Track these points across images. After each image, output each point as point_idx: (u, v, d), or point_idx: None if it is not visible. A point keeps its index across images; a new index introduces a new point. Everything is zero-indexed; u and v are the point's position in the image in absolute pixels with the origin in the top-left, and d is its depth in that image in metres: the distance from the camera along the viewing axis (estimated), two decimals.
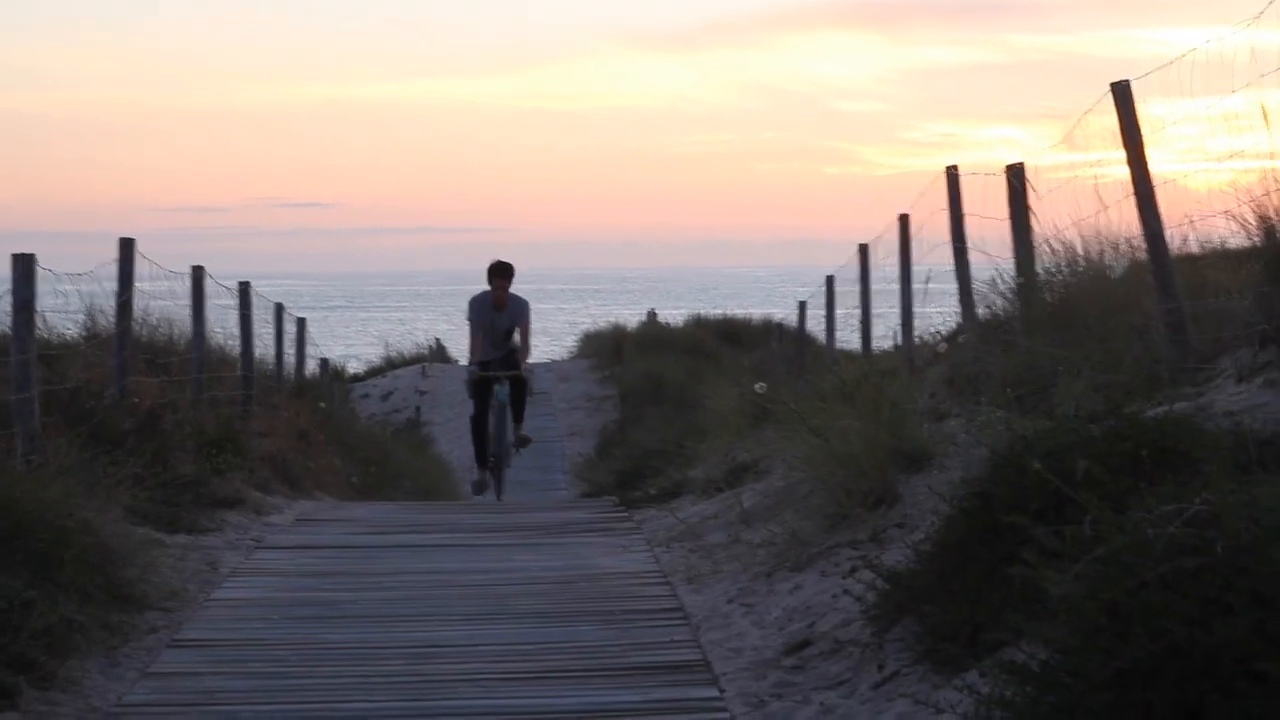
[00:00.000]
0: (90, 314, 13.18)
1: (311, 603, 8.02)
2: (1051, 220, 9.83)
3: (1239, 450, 5.29)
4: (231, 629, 7.40)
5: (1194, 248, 8.43)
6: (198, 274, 14.61)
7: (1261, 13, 6.69)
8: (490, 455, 14.81)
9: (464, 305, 15.15)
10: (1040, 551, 4.56)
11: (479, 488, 15.11)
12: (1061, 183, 9.79)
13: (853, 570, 6.54)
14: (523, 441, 15.14)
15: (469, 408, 15.23)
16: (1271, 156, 7.15)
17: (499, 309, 14.70)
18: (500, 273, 14.65)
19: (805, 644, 6.55)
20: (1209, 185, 8.09)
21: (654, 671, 6.41)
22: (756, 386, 13.97)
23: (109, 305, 12.67)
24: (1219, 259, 8.17)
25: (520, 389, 14.85)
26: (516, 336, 14.92)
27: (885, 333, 14.95)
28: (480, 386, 14.76)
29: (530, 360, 14.96)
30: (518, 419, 15.00)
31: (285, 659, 6.73)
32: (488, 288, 14.72)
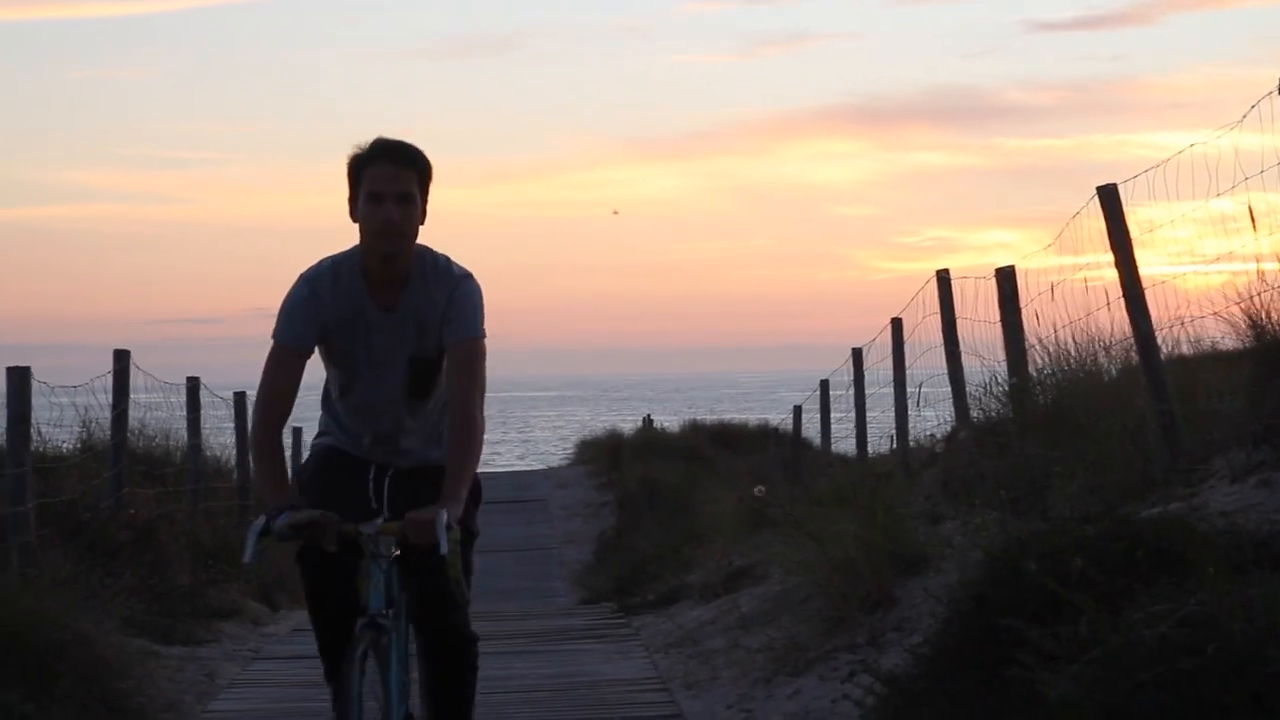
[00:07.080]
0: (86, 426, 13.21)
1: (308, 713, 7.98)
2: (1046, 322, 9.89)
3: (1234, 550, 5.30)
4: None
5: (1185, 349, 8.48)
6: (193, 385, 14.64)
7: (1244, 117, 6.80)
8: None
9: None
10: (1037, 653, 4.57)
11: None
12: (1053, 285, 9.85)
13: (851, 675, 6.52)
14: None
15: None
16: (1259, 258, 7.23)
17: (388, 303, 4.83)
18: (392, 156, 4.78)
19: None
20: (1199, 286, 8.16)
21: None
22: (756, 489, 13.96)
23: (105, 417, 12.71)
24: (1210, 360, 8.21)
25: (442, 592, 4.83)
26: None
27: (881, 436, 14.98)
28: (314, 578, 4.80)
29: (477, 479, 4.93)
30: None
31: None
32: (346, 248, 4.86)
